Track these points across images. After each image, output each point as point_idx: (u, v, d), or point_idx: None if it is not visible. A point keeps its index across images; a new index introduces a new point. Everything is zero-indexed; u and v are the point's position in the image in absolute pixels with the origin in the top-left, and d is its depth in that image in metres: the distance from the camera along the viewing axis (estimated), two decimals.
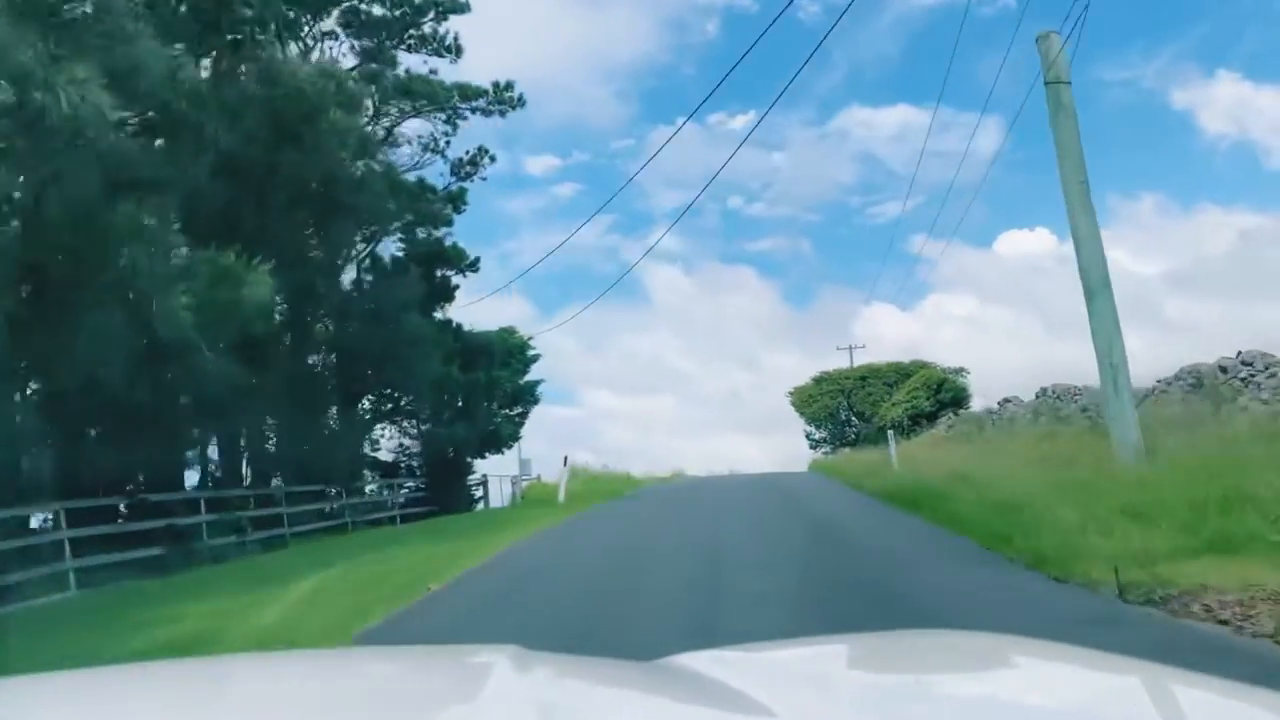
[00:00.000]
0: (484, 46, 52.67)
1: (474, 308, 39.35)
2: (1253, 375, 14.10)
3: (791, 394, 49.92)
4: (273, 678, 1.39)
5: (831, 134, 59.40)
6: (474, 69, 34.90)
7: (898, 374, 45.05)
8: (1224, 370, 14.81)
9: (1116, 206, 59.42)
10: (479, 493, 28.88)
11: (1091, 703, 1.24)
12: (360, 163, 18.33)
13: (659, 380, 65.18)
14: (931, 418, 36.25)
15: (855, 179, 61.76)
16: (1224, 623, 5.56)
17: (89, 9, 10.92)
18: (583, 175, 58.86)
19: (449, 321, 24.48)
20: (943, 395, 37.38)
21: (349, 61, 21.75)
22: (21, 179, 11.23)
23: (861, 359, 47.89)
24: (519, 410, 29.13)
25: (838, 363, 48.65)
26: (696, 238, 64.79)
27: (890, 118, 59.89)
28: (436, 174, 25.84)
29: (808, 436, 49.55)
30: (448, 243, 24.75)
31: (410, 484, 24.90)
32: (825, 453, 49.47)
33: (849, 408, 46.04)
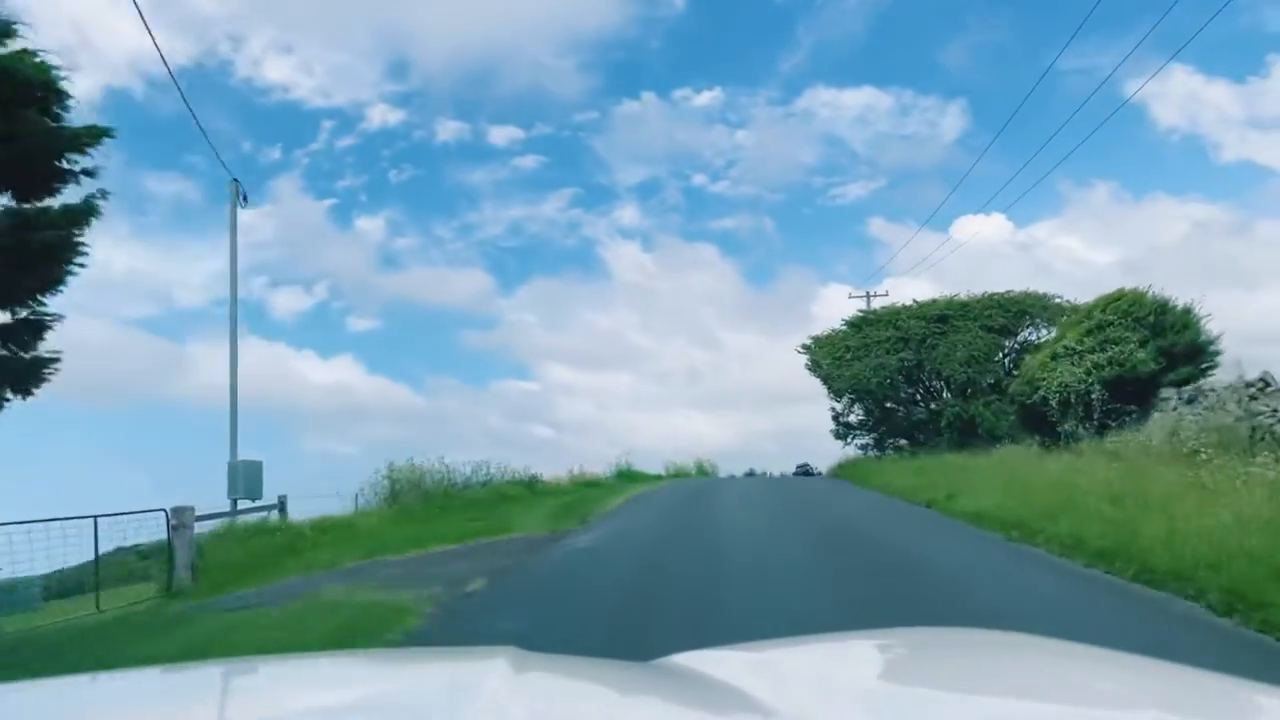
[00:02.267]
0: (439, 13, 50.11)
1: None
2: None
3: (810, 347, 30.31)
4: (269, 682, 1.39)
5: (796, 114, 60.14)
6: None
7: (1006, 312, 25.55)
8: None
9: (1069, 193, 59.91)
10: None
11: (1098, 699, 1.21)
12: None
13: (617, 356, 66.88)
14: (1151, 385, 16.69)
15: (819, 160, 63.00)
16: None
17: None
18: (546, 147, 59.61)
19: None
20: (1170, 340, 17.66)
21: None
22: None
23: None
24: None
25: (806, 335, 30.46)
26: (659, 214, 63.64)
27: (855, 99, 60.96)
28: None
29: (836, 418, 29.96)
30: None
31: None
32: (864, 446, 30.03)
33: (919, 370, 26.31)
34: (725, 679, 1.26)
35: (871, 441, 29.45)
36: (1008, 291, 25.99)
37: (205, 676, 1.50)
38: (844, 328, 29.39)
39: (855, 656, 1.57)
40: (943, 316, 26.24)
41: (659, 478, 44.28)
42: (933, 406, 26.25)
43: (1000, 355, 25.09)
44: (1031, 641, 1.59)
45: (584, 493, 25.49)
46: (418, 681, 1.36)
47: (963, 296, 26.75)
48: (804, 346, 30.37)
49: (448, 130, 58.75)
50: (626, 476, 40.19)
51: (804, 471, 70.38)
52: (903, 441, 27.89)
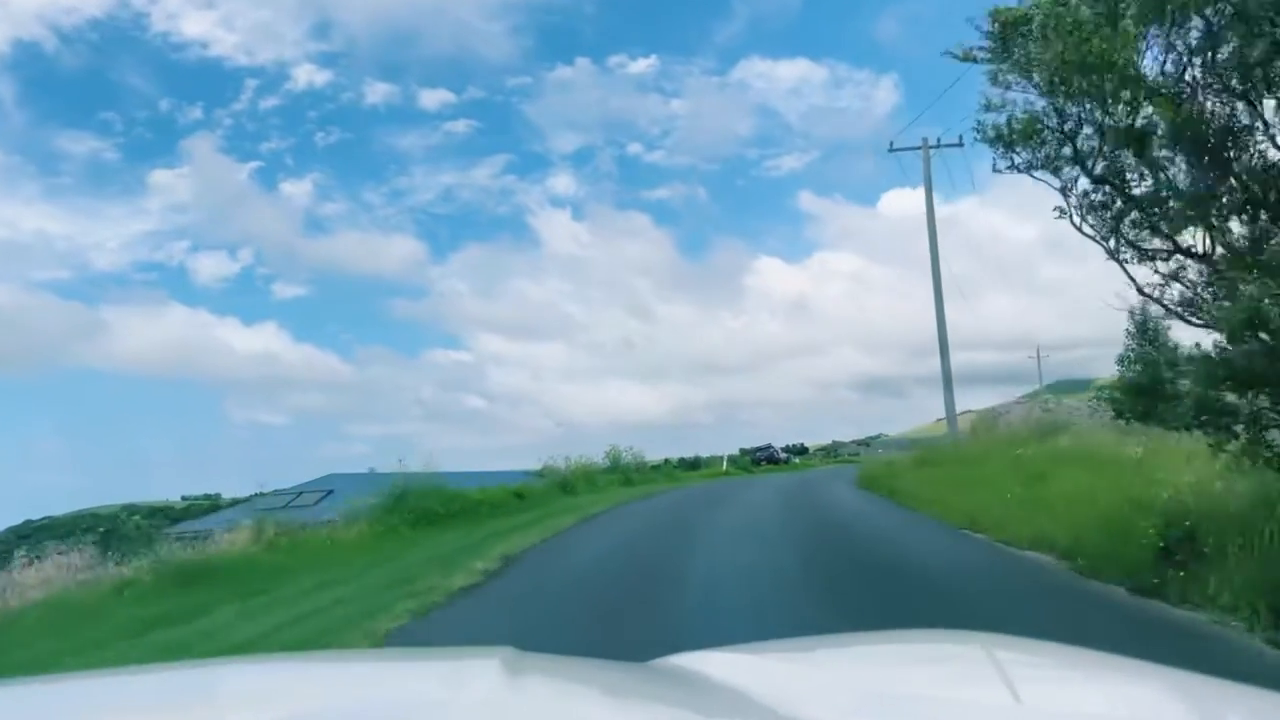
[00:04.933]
0: None
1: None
2: None
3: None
4: (258, 683, 1.35)
5: (731, 84, 37.45)
6: None
7: None
8: None
9: (990, 170, 44.25)
10: None
11: (1094, 705, 1.21)
12: None
13: (550, 326, 42.61)
14: None
15: (753, 131, 36.25)
16: None
17: None
18: (477, 112, 44.98)
19: None
20: None
21: None
22: None
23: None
24: None
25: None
26: (593, 183, 40.23)
27: (789, 71, 38.81)
28: None
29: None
30: None
31: None
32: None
33: None
34: (724, 680, 1.26)
35: None
36: None
37: (188, 678, 1.45)
38: None
39: (857, 658, 1.57)
40: None
41: (517, 500, 18.40)
42: None
43: None
44: (1035, 646, 1.55)
45: None
46: (409, 683, 1.31)
47: None
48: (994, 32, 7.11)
49: (376, 92, 53.29)
50: (414, 514, 16.07)
51: (768, 457, 50.75)
52: None
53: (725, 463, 47.18)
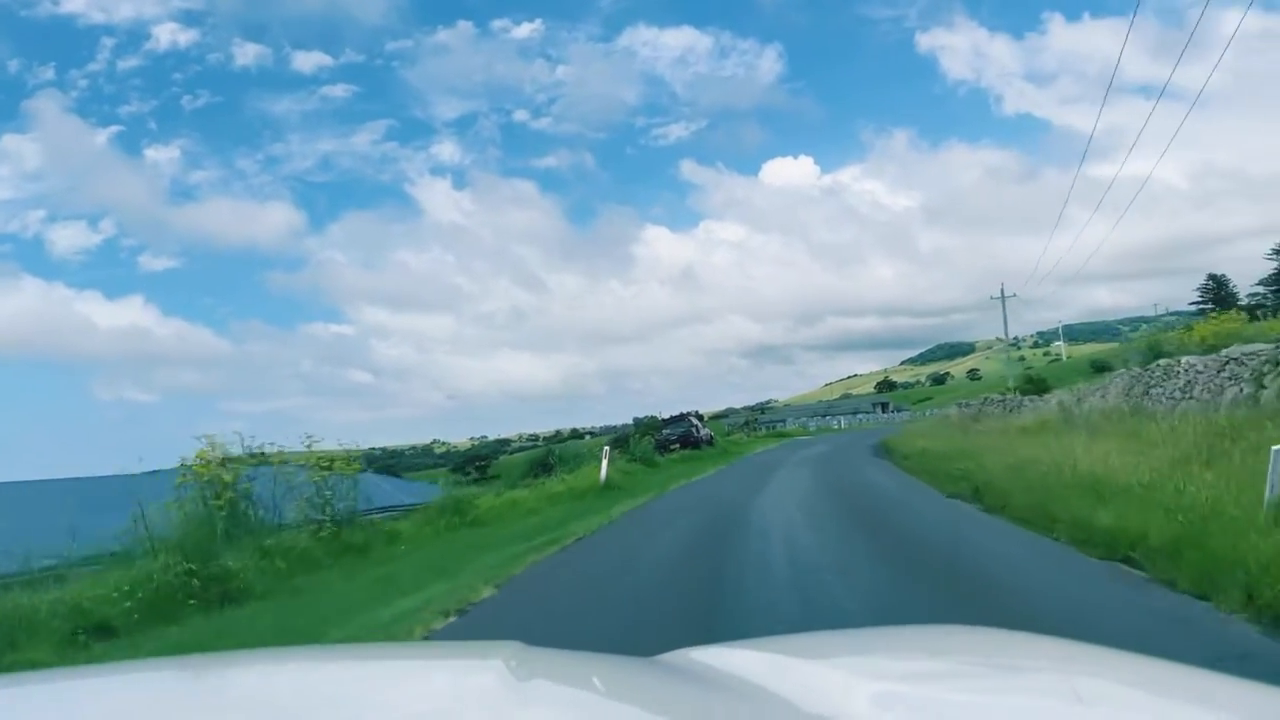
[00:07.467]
0: None
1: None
2: None
3: None
4: (267, 677, 1.35)
5: (618, 51, 28.99)
6: None
7: None
8: None
9: (871, 140, 78.23)
10: None
11: (1102, 700, 1.18)
12: None
13: (436, 297, 41.86)
14: None
15: (641, 100, 36.41)
16: None
17: None
18: (355, 76, 24.19)
19: None
20: None
21: None
22: None
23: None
24: None
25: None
26: (478, 150, 34.09)
27: (675, 39, 36.07)
28: None
29: None
30: None
31: None
32: None
33: None
34: (732, 673, 1.24)
35: None
36: None
37: (193, 674, 1.45)
38: None
39: (865, 652, 1.56)
40: None
41: None
42: None
43: None
44: (1034, 641, 1.56)
45: None
46: (413, 682, 1.29)
47: None
48: None
49: (246, 54, 49.96)
50: None
51: (682, 436, 38.29)
52: None
53: (604, 461, 21.71)
